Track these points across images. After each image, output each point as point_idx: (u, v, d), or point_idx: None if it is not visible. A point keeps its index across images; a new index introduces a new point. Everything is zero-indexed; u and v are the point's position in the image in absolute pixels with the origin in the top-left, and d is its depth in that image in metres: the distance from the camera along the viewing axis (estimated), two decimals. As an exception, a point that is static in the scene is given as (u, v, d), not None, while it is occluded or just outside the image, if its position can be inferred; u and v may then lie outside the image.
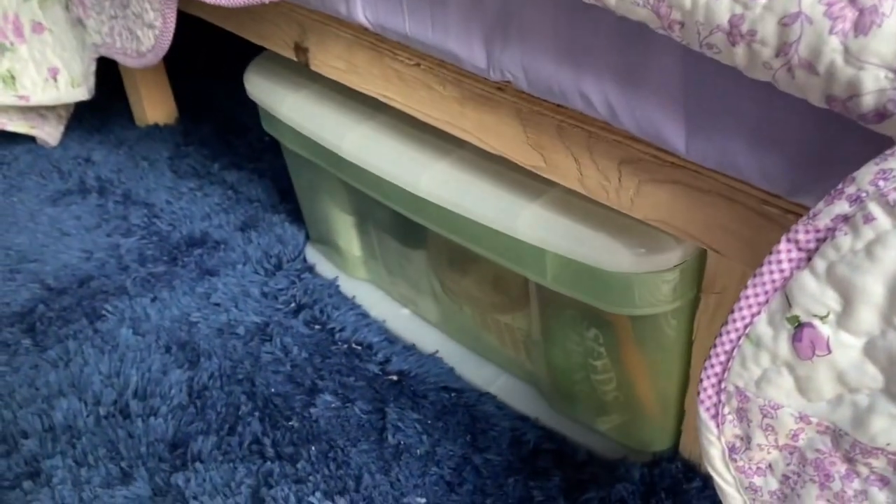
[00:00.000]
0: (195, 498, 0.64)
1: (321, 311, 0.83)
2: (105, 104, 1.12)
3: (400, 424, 0.70)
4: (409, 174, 0.66)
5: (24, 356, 0.78)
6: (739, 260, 0.48)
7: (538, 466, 0.67)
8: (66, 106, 1.07)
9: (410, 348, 0.79)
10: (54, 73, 0.97)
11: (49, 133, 1.05)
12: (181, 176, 1.03)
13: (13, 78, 0.96)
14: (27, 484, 0.66)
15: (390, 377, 0.75)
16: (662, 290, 0.56)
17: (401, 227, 0.76)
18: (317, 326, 0.81)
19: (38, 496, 0.65)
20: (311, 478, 0.65)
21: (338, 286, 0.86)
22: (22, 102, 0.98)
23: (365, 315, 0.83)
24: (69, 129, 1.09)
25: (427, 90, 0.60)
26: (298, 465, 0.66)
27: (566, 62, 0.48)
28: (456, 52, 0.54)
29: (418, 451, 0.68)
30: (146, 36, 0.71)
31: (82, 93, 0.99)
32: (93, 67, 0.92)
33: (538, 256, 0.59)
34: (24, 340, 0.80)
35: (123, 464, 0.67)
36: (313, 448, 0.67)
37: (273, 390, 0.73)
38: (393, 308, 0.84)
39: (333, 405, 0.72)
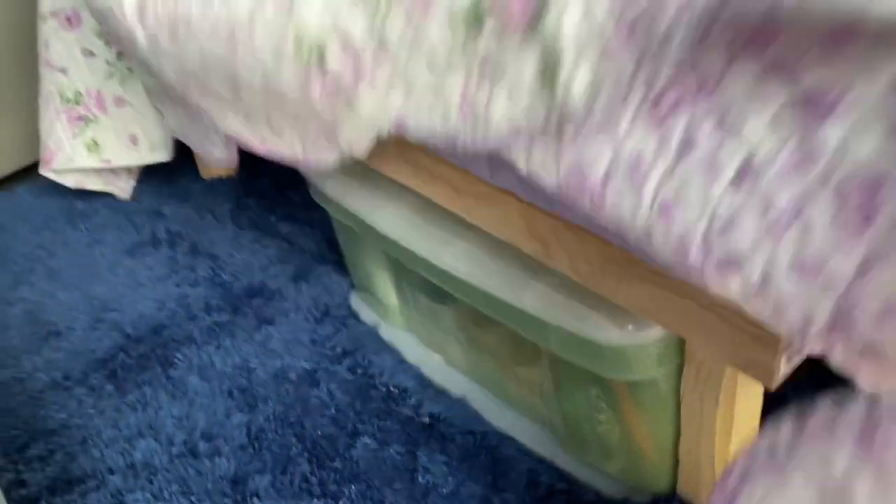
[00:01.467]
0: (253, 530, 0.75)
1: (363, 357, 0.93)
2: (174, 158, 1.25)
3: (429, 465, 0.79)
4: (434, 250, 0.76)
5: (107, 400, 0.90)
6: (714, 352, 0.56)
7: (550, 506, 0.76)
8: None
9: (441, 392, 0.88)
10: (135, 140, 1.10)
11: (122, 188, 1.18)
12: (242, 227, 1.15)
13: (97, 145, 1.09)
14: (114, 514, 0.78)
15: (422, 420, 0.85)
16: (649, 359, 0.64)
17: (430, 287, 0.86)
18: (359, 370, 0.91)
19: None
20: (350, 514, 0.75)
21: (378, 333, 0.96)
22: (105, 165, 1.11)
23: (402, 361, 0.93)
24: (141, 184, 1.22)
25: (445, 184, 0.69)
26: (341, 499, 0.76)
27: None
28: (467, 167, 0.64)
29: (444, 491, 0.77)
30: (217, 146, 0.82)
31: (162, 155, 1.11)
32: (172, 134, 1.05)
33: (541, 327, 0.68)
34: (107, 386, 0.92)
35: (193, 498, 0.79)
36: (353, 487, 0.77)
37: (319, 433, 0.84)
38: (426, 354, 0.93)
39: (372, 447, 0.82)
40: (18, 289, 1.06)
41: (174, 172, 1.27)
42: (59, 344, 0.98)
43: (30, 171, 1.24)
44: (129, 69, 1.06)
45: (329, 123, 0.60)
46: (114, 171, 1.17)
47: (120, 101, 1.07)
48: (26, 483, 0.82)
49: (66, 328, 1.00)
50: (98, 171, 1.14)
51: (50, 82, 1.05)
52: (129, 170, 1.19)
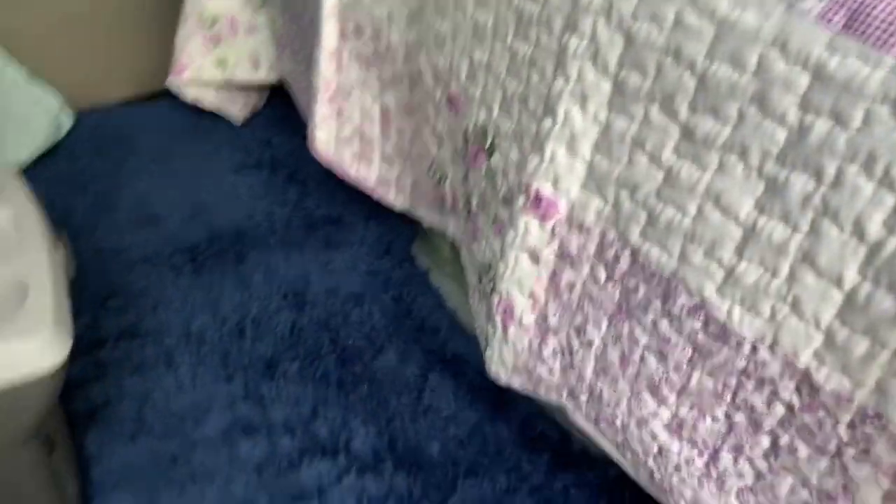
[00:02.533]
0: (271, 403, 0.84)
1: (408, 293, 1.01)
2: (290, 99, 1.38)
3: (437, 389, 0.86)
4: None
5: (183, 279, 1.02)
6: None
7: (535, 446, 0.80)
8: (258, 94, 1.34)
9: (469, 338, 0.95)
10: (257, 63, 1.24)
11: (235, 113, 1.32)
12: (334, 167, 1.26)
13: (224, 62, 1.24)
14: (161, 368, 0.90)
15: (444, 354, 0.92)
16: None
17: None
18: (401, 303, 0.99)
19: (165, 377, 0.88)
20: (356, 408, 0.83)
21: (427, 277, 1.04)
22: (228, 78, 1.26)
23: (441, 304, 1.00)
24: (258, 116, 1.36)
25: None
26: (350, 398, 0.84)
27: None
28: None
29: (444, 413, 0.84)
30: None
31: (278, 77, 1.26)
32: (280, 74, 1.18)
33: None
34: (186, 267, 1.04)
35: (230, 368, 0.89)
36: (365, 388, 0.85)
37: (351, 342, 0.92)
38: (464, 304, 1.00)
39: (391, 363, 0.89)
40: (136, 179, 1.22)
41: (288, 110, 1.40)
42: (156, 229, 1.12)
43: (167, 93, 1.41)
44: (263, 1, 1.20)
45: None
46: (230, 97, 1.32)
47: (251, 28, 1.20)
48: (100, 327, 0.95)
49: (165, 217, 1.14)
50: (216, 92, 1.29)
51: (192, 6, 1.20)
52: (245, 101, 1.33)
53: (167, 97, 1.41)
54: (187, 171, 1.24)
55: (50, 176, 1.21)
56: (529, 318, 0.66)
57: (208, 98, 1.31)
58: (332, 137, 0.96)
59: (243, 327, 0.94)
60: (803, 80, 0.42)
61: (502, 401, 0.85)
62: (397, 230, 1.11)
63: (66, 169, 1.23)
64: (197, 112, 1.35)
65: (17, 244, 0.70)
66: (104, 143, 1.29)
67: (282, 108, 1.39)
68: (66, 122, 1.30)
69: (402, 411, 0.83)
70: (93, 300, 0.99)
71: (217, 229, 1.12)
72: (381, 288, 1.02)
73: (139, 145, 1.30)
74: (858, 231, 0.41)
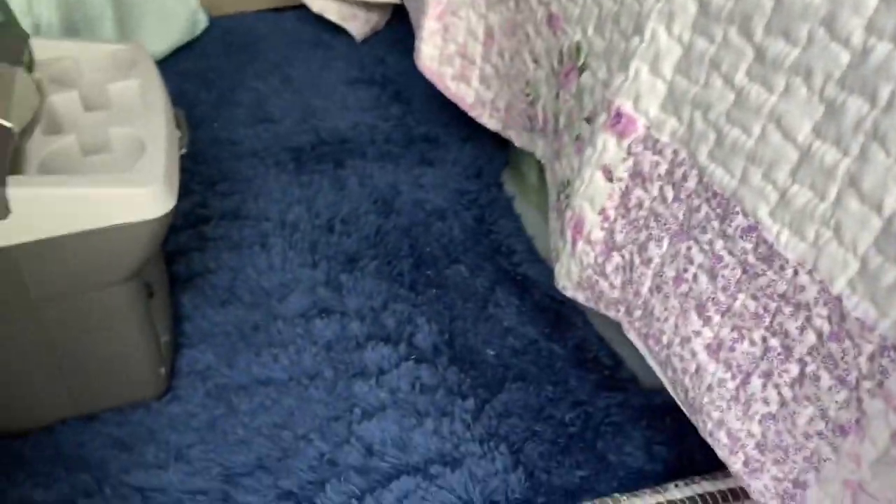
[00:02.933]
0: (348, 292, 0.91)
1: (490, 214, 1.05)
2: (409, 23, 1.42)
3: (502, 302, 0.90)
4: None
5: (286, 175, 1.10)
6: None
7: (586, 367, 0.83)
8: (380, 13, 1.39)
9: (542, 263, 0.98)
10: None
11: (357, 29, 1.38)
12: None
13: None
14: (256, 248, 0.98)
15: (515, 273, 0.96)
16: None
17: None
18: (482, 222, 1.03)
19: (258, 257, 0.96)
20: (423, 307, 0.88)
21: (512, 203, 1.07)
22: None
23: (521, 230, 1.03)
24: (377, 35, 1.42)
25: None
26: (419, 298, 0.90)
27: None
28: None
29: (504, 324, 0.88)
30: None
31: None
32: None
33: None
34: (290, 165, 1.12)
35: (316, 257, 0.96)
36: (434, 291, 0.90)
37: (428, 249, 0.97)
38: (543, 231, 1.03)
39: (463, 274, 0.94)
40: (257, 81, 1.30)
41: (406, 33, 1.45)
42: (268, 128, 1.20)
43: (297, 6, 1.48)
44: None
45: None
46: (352, 13, 1.37)
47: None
48: (207, 207, 1.04)
49: (278, 118, 1.22)
50: (339, 6, 1.35)
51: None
52: (366, 17, 1.39)
53: (295, 9, 1.49)
54: (304, 79, 1.31)
55: (181, 70, 1.31)
56: (598, 235, 0.69)
57: (332, 11, 1.37)
58: (436, 54, 1.00)
59: (333, 223, 1.01)
60: (872, 1, 0.42)
61: (562, 323, 0.89)
62: (490, 155, 1.15)
63: (195, 66, 1.32)
64: (321, 25, 1.41)
65: (142, 111, 0.78)
66: (233, 46, 1.38)
67: (401, 30, 1.44)
68: (202, 23, 1.39)
69: (465, 316, 0.88)
70: (204, 183, 1.08)
71: (322, 134, 1.18)
72: (465, 206, 1.06)
73: (264, 51, 1.38)
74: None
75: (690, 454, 0.75)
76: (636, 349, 0.86)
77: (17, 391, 0.75)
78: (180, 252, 0.96)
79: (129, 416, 0.77)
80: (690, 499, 0.70)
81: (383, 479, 0.72)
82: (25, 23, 1.10)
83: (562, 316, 0.90)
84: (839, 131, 0.45)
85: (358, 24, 1.40)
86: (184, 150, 0.78)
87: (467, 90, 0.99)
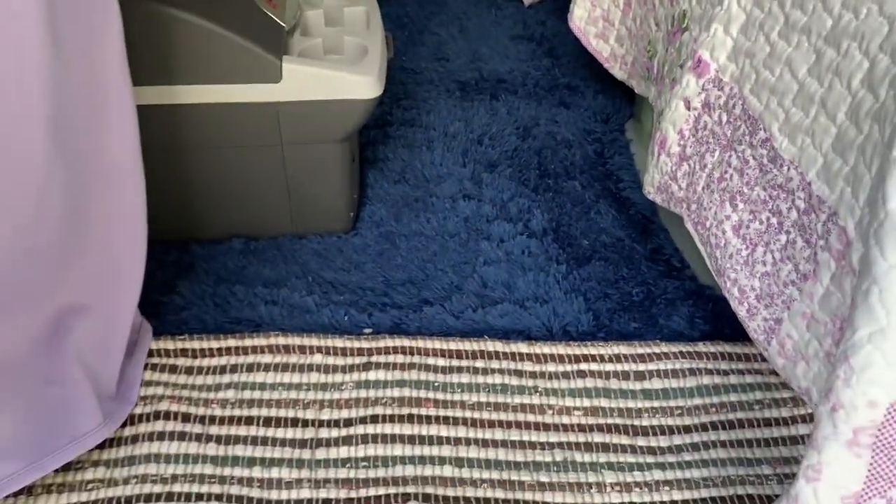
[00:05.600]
0: (486, 186, 1.21)
1: (608, 151, 1.31)
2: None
3: (602, 211, 1.17)
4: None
5: (453, 100, 1.41)
6: None
7: (658, 262, 1.09)
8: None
9: (641, 191, 1.23)
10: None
11: (529, -2, 1.66)
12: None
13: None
14: (423, 148, 1.29)
15: (618, 194, 1.22)
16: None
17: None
18: (601, 157, 1.30)
19: (424, 154, 1.27)
20: (540, 204, 1.17)
21: (629, 145, 1.33)
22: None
23: (632, 164, 1.29)
24: (544, 3, 1.69)
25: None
26: (538, 197, 1.18)
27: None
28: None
29: (601, 225, 1.15)
30: None
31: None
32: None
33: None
34: (456, 93, 1.43)
35: (466, 159, 1.27)
36: (551, 194, 1.19)
37: (552, 166, 1.26)
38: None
39: (576, 187, 1.22)
40: (440, 28, 1.61)
41: (565, 2, 1.72)
42: (444, 64, 1.51)
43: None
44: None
45: None
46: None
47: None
48: (391, 115, 1.37)
49: (452, 58, 1.53)
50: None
51: None
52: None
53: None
54: (476, 31, 1.62)
55: (383, 13, 1.65)
56: (675, 149, 0.95)
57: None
58: (585, 15, 1.27)
59: (482, 138, 1.31)
60: (843, -14, 0.66)
61: (646, 233, 1.14)
62: (618, 107, 1.41)
63: (394, 11, 1.66)
64: (496, -11, 1.71)
65: (365, 28, 1.11)
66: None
67: (561, 0, 1.71)
68: (402, -23, 1.73)
69: (571, 214, 1.16)
70: (391, 98, 1.41)
71: (484, 74, 1.48)
72: (589, 142, 1.33)
73: (449, 6, 1.69)
74: (850, 85, 0.66)
75: (721, 329, 0.99)
76: (701, 258, 1.10)
77: (257, 210, 1.10)
78: (370, 143, 1.29)
79: (326, 240, 1.11)
80: (713, 354, 0.96)
81: (492, 302, 1.02)
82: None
83: (648, 228, 1.16)
84: (820, 72, 0.69)
85: (530, -8, 1.68)
86: (391, 56, 1.10)
87: (605, 46, 1.26)
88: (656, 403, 0.91)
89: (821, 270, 0.72)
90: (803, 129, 0.72)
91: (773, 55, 0.77)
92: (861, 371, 0.59)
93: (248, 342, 0.95)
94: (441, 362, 0.94)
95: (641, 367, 0.94)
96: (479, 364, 0.94)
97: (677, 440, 0.88)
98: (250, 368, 0.93)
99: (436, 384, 0.92)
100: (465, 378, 0.93)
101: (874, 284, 0.59)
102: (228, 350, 0.94)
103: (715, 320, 1.00)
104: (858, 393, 0.60)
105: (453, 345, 0.96)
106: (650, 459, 0.86)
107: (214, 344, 0.95)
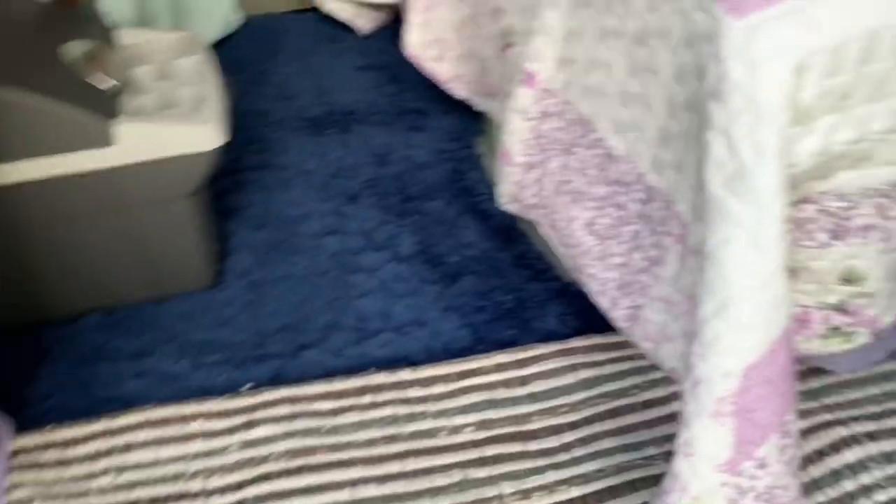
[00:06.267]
0: (350, 219, 1.20)
1: (463, 167, 1.34)
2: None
3: (466, 226, 1.19)
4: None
5: (305, 136, 1.40)
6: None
7: (523, 267, 1.12)
8: (386, 12, 1.69)
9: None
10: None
11: (363, 26, 1.68)
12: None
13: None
14: (281, 189, 1.27)
15: (479, 207, 1.25)
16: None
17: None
18: (457, 173, 1.33)
19: (283, 195, 1.26)
20: (406, 228, 1.18)
21: (481, 159, 1.36)
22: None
23: (487, 178, 1.32)
24: (385, 29, 1.71)
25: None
26: (404, 221, 1.19)
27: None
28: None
29: (467, 240, 1.17)
30: None
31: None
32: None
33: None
34: (307, 129, 1.42)
35: (326, 195, 1.26)
36: (416, 217, 1.20)
37: (413, 190, 1.27)
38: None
39: (439, 206, 1.24)
40: (282, 67, 1.60)
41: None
42: (290, 103, 1.50)
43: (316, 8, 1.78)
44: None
45: None
46: (358, 12, 1.67)
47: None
48: (242, 161, 1.34)
49: (298, 95, 1.52)
50: (346, 6, 1.65)
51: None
52: (371, 15, 1.69)
53: (315, 11, 1.79)
54: (319, 66, 1.62)
55: (222, 58, 1.61)
56: (520, 159, 0.98)
57: (341, 11, 1.67)
58: (419, 41, 1.30)
59: (339, 172, 1.31)
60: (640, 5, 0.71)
61: (509, 241, 1.18)
62: (467, 124, 1.44)
63: (232, 55, 1.63)
64: (336, 24, 1.72)
65: (200, 78, 1.08)
66: (262, 40, 1.69)
67: (399, 26, 1.74)
68: (237, 21, 1.70)
69: (437, 234, 1.18)
70: (238, 144, 1.38)
71: (333, 107, 1.49)
72: (444, 160, 1.35)
73: (288, 44, 1.68)
74: (663, 80, 0.70)
75: (591, 322, 1.03)
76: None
77: (112, 279, 1.05)
78: (225, 192, 1.27)
79: (190, 299, 1.08)
80: (587, 347, 0.99)
81: (371, 334, 1.02)
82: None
83: (510, 236, 1.19)
84: (636, 71, 0.74)
85: (362, 21, 1.69)
86: (231, 104, 1.08)
87: (444, 68, 1.29)
88: (542, 405, 0.93)
89: (667, 255, 0.76)
90: (630, 126, 0.77)
91: (593, 60, 0.81)
92: (712, 345, 0.63)
93: (119, 422, 0.90)
94: (327, 405, 0.93)
95: (523, 371, 0.96)
96: (366, 399, 0.94)
97: (567, 437, 0.90)
98: (126, 449, 0.88)
99: (324, 429, 0.90)
100: (353, 417, 0.92)
101: (708, 261, 0.63)
102: (99, 434, 0.89)
103: (584, 315, 1.04)
104: (712, 366, 0.63)
105: (337, 385, 0.95)
106: (544, 462, 0.88)
107: (83, 430, 0.90)
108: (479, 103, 1.23)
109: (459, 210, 1.24)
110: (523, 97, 0.94)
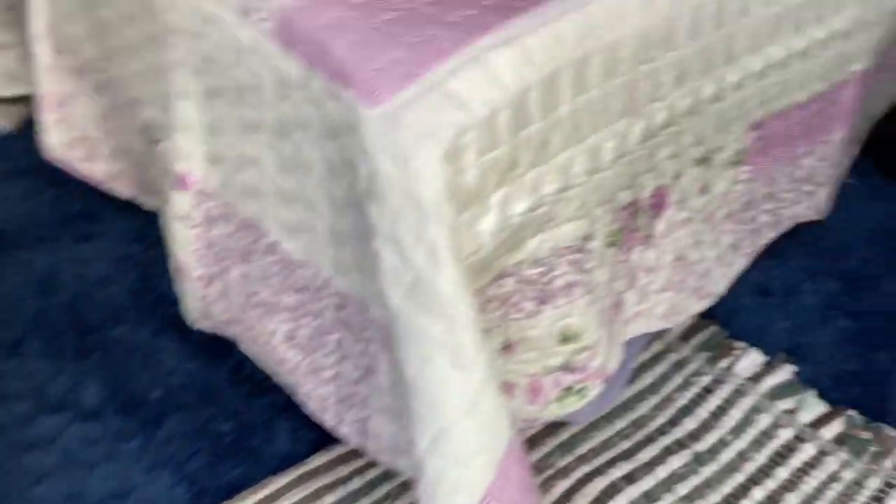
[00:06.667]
0: (12, 378, 0.97)
1: (153, 271, 1.14)
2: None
3: (165, 349, 1.01)
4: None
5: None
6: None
7: (238, 383, 0.97)
8: (29, 105, 1.43)
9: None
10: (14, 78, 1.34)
11: (2, 122, 1.41)
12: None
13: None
14: None
15: (178, 319, 1.07)
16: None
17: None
18: (145, 281, 1.13)
19: None
20: (89, 372, 0.97)
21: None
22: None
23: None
24: (32, 125, 1.45)
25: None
26: (84, 363, 0.98)
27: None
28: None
29: (167, 366, 0.99)
30: None
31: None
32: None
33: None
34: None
35: None
36: (99, 354, 0.99)
37: (93, 318, 1.06)
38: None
39: (127, 331, 1.04)
40: None
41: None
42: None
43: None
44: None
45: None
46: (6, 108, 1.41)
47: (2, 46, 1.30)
48: None
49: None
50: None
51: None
52: (12, 109, 1.42)
53: None
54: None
55: None
56: (197, 272, 0.83)
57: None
58: (62, 142, 1.09)
59: (-5, 320, 1.06)
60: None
61: (218, 354, 1.01)
62: (148, 219, 1.24)
63: None
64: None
65: None
66: None
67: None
68: None
69: (129, 369, 0.98)
70: None
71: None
72: (127, 269, 1.15)
73: None
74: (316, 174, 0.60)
75: (326, 432, 0.91)
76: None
77: None
78: None
79: None
80: (328, 464, 0.87)
81: (59, 530, 0.80)
82: None
83: (219, 348, 1.02)
84: (287, 167, 0.63)
85: (3, 117, 1.42)
86: None
87: (97, 167, 1.09)
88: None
89: (378, 364, 0.66)
90: (299, 226, 0.65)
91: (242, 156, 0.69)
92: (438, 485, 0.53)
93: None
94: None
95: (261, 519, 0.81)
96: None
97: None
98: None
99: None
100: None
101: (411, 390, 0.53)
102: None
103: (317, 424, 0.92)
104: (446, 507, 0.54)
105: None
106: None
107: None
108: (148, 202, 1.05)
109: (153, 330, 1.05)
110: (180, 202, 0.79)
